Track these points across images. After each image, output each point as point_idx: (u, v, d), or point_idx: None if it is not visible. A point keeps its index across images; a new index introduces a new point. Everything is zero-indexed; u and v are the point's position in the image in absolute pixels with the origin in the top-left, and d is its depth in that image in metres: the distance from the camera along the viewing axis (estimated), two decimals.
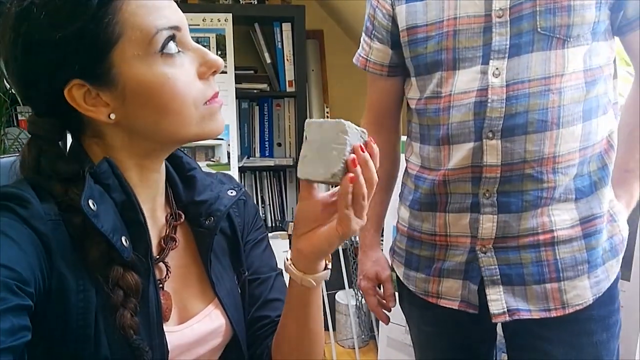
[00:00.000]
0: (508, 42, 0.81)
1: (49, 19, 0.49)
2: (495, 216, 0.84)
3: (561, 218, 0.84)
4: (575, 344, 0.86)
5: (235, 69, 2.03)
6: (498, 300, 0.86)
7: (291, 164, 2.27)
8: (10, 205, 0.49)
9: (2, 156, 0.67)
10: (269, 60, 2.21)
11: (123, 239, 0.52)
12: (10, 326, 0.41)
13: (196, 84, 0.54)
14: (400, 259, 1.00)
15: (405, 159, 1.01)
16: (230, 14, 2.00)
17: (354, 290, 2.02)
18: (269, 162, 2.27)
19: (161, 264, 0.60)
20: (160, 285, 0.58)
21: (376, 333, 2.01)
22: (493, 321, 0.86)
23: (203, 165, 2.03)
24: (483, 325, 0.90)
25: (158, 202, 0.62)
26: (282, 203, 2.37)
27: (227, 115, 2.02)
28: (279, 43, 2.19)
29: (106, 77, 0.51)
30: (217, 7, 2.06)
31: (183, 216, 0.64)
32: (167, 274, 0.60)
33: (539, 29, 0.80)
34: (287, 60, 2.19)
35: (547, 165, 0.82)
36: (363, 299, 2.02)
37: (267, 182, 2.35)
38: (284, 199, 2.36)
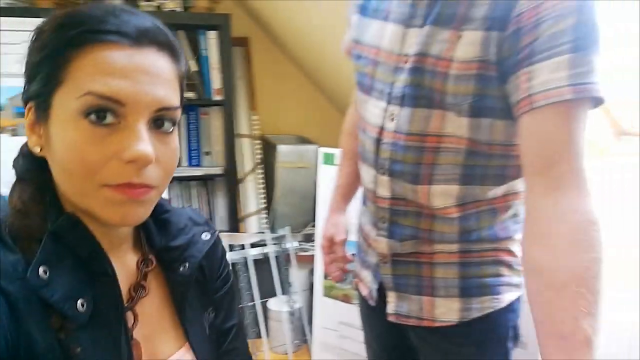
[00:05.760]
0: (402, 91, 0.82)
1: (33, 42, 0.54)
2: (386, 239, 0.92)
3: (441, 247, 0.89)
4: (443, 350, 0.93)
5: None
6: (392, 303, 0.96)
7: (220, 172, 2.25)
8: None
9: None
10: (194, 69, 2.17)
11: (79, 302, 0.51)
12: None
13: (108, 163, 0.50)
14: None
15: None
16: None
17: (286, 296, 2.05)
18: (198, 172, 2.23)
19: (129, 312, 0.58)
20: (130, 334, 0.57)
21: (309, 337, 2.05)
22: (388, 319, 0.96)
23: None
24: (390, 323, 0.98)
25: (125, 248, 0.61)
26: (210, 212, 2.34)
27: None
28: (205, 51, 2.16)
29: (45, 113, 0.52)
30: None
31: (154, 261, 0.63)
32: (134, 322, 0.58)
33: (422, 87, 0.80)
34: (214, 68, 2.17)
35: (426, 211, 0.87)
36: (295, 305, 2.05)
37: (195, 191, 2.32)
38: (212, 208, 2.34)
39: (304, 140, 2.45)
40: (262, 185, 2.37)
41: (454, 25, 0.76)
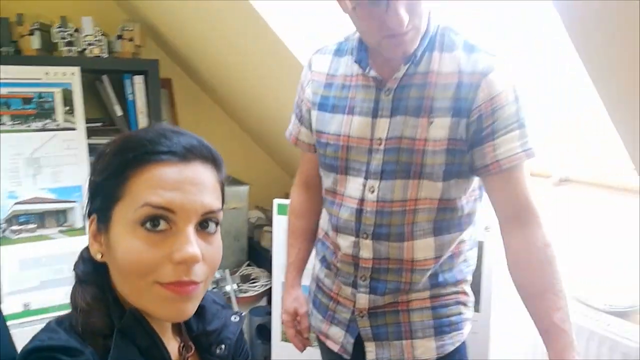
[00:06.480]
0: (380, 167, 0.97)
1: (96, 164, 0.61)
2: (367, 295, 1.04)
3: (416, 295, 1.04)
4: None
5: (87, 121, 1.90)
6: (371, 352, 1.07)
7: None
8: (62, 358, 0.52)
9: None
10: (119, 113, 2.11)
11: None
12: None
13: (162, 265, 0.55)
14: (310, 298, 1.20)
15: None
16: (78, 68, 1.88)
17: None
18: None
19: None
20: None
21: None
22: None
23: (55, 231, 1.85)
24: None
25: (168, 336, 0.65)
26: None
27: (78, 174, 1.88)
28: (131, 95, 2.11)
29: (107, 224, 0.58)
30: (61, 60, 1.89)
31: (193, 347, 0.67)
32: None
33: (400, 162, 0.95)
34: (141, 112, 2.12)
35: (407, 265, 1.01)
36: None
37: None
38: None
39: (233, 180, 2.47)
40: None
41: (423, 115, 0.93)
